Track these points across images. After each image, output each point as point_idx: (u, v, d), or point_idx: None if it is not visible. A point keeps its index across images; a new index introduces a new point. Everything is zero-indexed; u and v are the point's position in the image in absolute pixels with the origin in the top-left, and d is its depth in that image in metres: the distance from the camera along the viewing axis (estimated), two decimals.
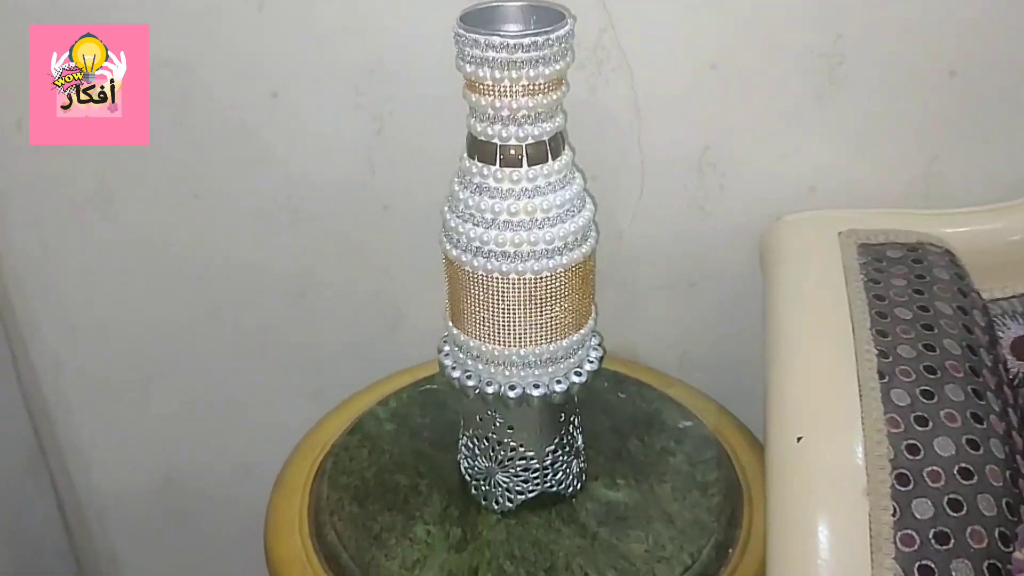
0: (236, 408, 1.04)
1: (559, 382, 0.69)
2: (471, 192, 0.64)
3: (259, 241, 0.93)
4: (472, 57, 0.60)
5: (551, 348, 0.68)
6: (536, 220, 0.64)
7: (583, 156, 0.85)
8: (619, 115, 0.83)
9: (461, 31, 0.60)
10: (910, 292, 0.72)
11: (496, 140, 0.62)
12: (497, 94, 0.61)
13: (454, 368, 0.70)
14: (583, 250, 0.67)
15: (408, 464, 0.79)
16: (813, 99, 0.81)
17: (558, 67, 0.61)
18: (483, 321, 0.66)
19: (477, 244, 0.64)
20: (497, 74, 0.60)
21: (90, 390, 1.04)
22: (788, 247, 0.80)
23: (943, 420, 0.61)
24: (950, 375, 0.64)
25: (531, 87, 0.61)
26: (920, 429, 0.61)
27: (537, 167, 0.64)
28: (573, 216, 0.66)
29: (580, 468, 0.75)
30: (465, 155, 0.64)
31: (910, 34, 0.78)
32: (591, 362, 0.72)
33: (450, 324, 0.69)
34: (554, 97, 0.63)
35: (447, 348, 0.71)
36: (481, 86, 0.61)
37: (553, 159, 0.65)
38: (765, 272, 0.80)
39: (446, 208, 0.66)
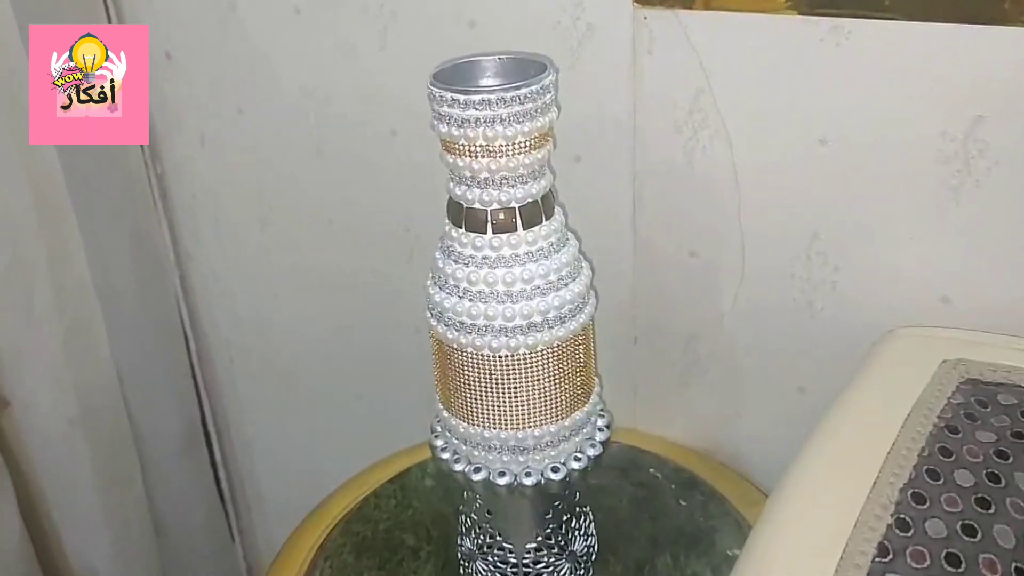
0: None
1: (556, 469, 0.63)
2: (455, 263, 0.60)
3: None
4: (445, 116, 0.56)
5: (548, 430, 0.62)
6: (528, 290, 0.58)
7: (680, 229, 0.77)
8: (718, 186, 0.73)
9: (433, 88, 0.56)
10: (991, 453, 0.55)
11: (478, 204, 0.58)
12: (474, 155, 0.56)
13: (444, 450, 0.66)
14: (581, 319, 0.60)
15: (424, 525, 0.76)
16: (947, 191, 0.65)
17: (540, 122, 0.56)
18: (468, 402, 0.62)
19: (462, 320, 0.59)
20: (471, 133, 0.55)
21: (253, 378, 1.12)
22: (877, 366, 0.65)
23: None
24: (980, 574, 0.49)
25: (513, 146, 0.56)
26: None
27: (528, 231, 0.58)
28: (568, 283, 0.59)
29: (576, 575, 0.67)
30: (447, 222, 0.60)
31: None
32: (594, 446, 0.64)
33: (440, 404, 0.65)
34: (539, 156, 0.57)
35: (438, 428, 0.67)
36: (457, 147, 0.57)
37: (544, 221, 0.59)
38: (839, 393, 0.66)
39: (430, 282, 0.62)
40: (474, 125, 0.54)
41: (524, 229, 0.58)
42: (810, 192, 0.70)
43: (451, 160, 0.57)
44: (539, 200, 0.58)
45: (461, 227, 0.58)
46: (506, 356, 0.59)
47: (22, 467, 0.95)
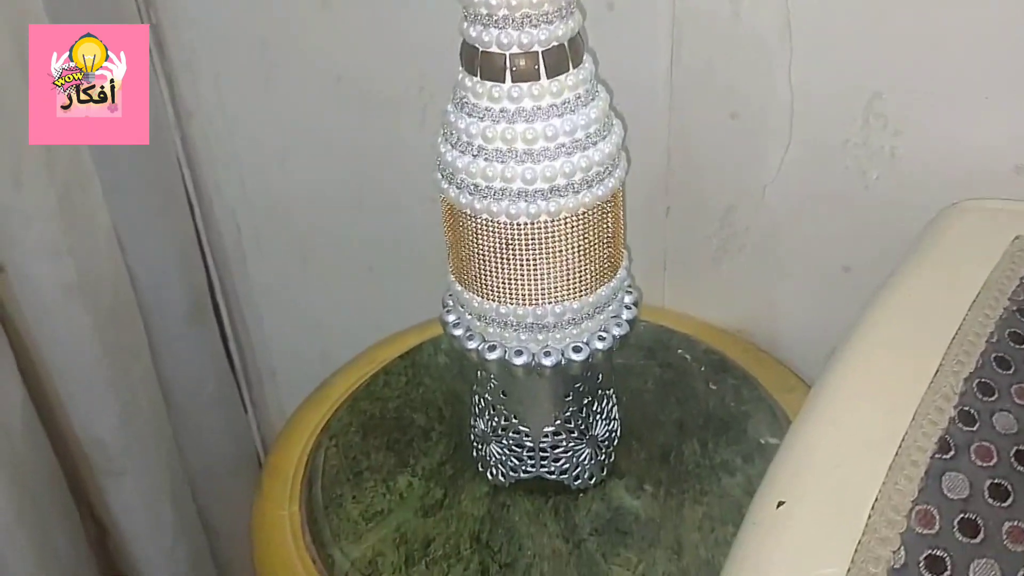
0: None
1: (578, 349, 0.57)
2: (469, 116, 0.52)
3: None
4: None
5: (571, 307, 0.56)
6: (552, 148, 0.51)
7: (722, 87, 0.69)
8: (767, 39, 0.65)
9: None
10: None
11: (495, 48, 0.50)
12: None
13: (456, 326, 0.60)
14: (610, 184, 0.54)
15: (435, 404, 0.71)
16: None
17: None
18: (483, 274, 0.56)
19: (476, 182, 0.53)
20: None
21: (260, 247, 1.07)
22: (939, 241, 0.58)
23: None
24: None
25: None
26: (963, 540, 0.41)
27: (552, 81, 0.51)
28: (597, 142, 0.53)
29: (598, 460, 0.63)
30: (460, 70, 0.53)
31: None
32: (619, 324, 0.59)
33: (451, 277, 0.59)
34: None
35: (450, 303, 0.61)
36: None
37: (571, 70, 0.51)
38: (897, 267, 0.59)
39: (440, 138, 0.55)
40: None
41: (548, 78, 0.51)
42: (873, 44, 0.62)
43: None
44: (565, 44, 0.51)
45: (476, 75, 0.51)
46: (525, 224, 0.52)
47: (22, 335, 0.91)
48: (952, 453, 0.45)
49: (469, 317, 0.58)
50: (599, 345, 0.58)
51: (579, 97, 0.52)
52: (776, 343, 0.77)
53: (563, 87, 0.51)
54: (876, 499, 0.43)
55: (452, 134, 0.53)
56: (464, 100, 0.52)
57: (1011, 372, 0.48)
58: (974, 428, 0.46)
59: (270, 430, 1.22)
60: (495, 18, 0.49)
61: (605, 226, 0.55)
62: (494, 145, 0.51)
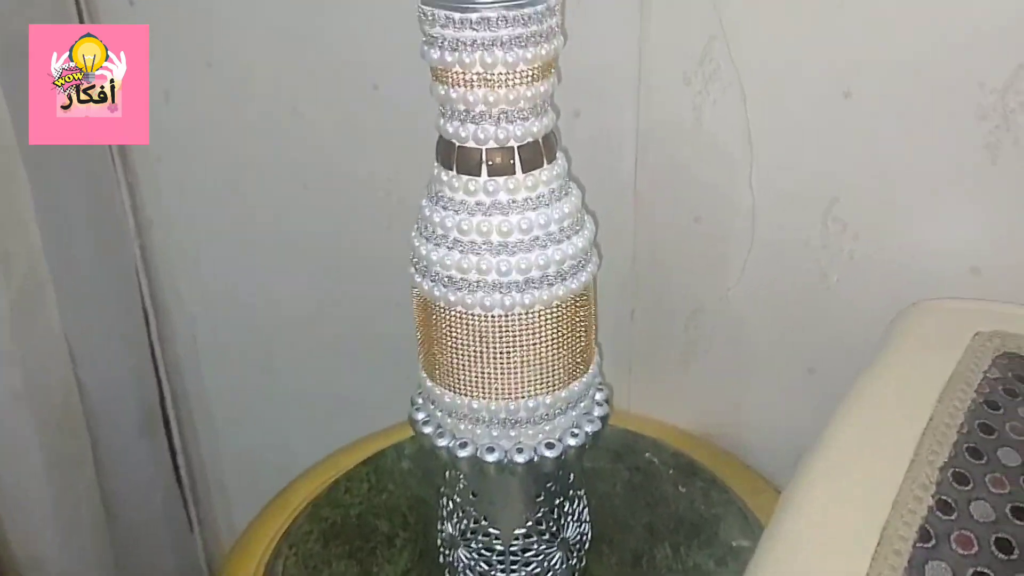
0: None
1: (550, 445, 0.56)
2: (444, 209, 0.53)
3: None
4: (438, 39, 0.49)
5: (543, 402, 0.55)
6: (526, 241, 0.52)
7: (686, 192, 0.71)
8: (729, 146, 0.68)
9: (424, 7, 0.49)
10: None
11: (472, 143, 0.51)
12: (469, 84, 0.50)
13: (426, 423, 0.59)
14: (583, 278, 0.54)
15: (399, 510, 0.69)
16: (983, 149, 0.60)
17: (545, 49, 0.49)
18: (455, 368, 0.55)
19: (451, 274, 0.53)
20: (467, 58, 0.49)
21: (219, 356, 1.05)
22: (905, 339, 0.59)
23: None
24: None
25: (513, 75, 0.49)
26: None
27: (527, 175, 0.52)
28: (571, 236, 0.53)
29: (569, 565, 0.61)
30: (436, 164, 0.54)
31: None
32: (592, 421, 0.58)
33: (422, 373, 0.59)
34: (542, 89, 0.51)
35: (420, 401, 0.60)
36: (450, 75, 0.50)
37: (545, 165, 0.52)
38: (866, 366, 0.60)
39: (414, 232, 0.55)
40: (471, 49, 0.48)
41: (523, 172, 0.51)
42: (830, 152, 0.65)
43: (443, 92, 0.51)
44: (540, 140, 0.52)
45: (452, 169, 0.52)
46: (499, 316, 0.52)
47: None
48: (933, 542, 0.44)
49: (440, 414, 0.57)
50: (571, 442, 0.57)
51: (553, 192, 0.52)
52: (743, 445, 0.77)
53: (538, 182, 0.52)
54: None
55: (427, 227, 0.54)
56: (440, 194, 0.53)
57: (984, 462, 0.48)
58: (952, 517, 0.45)
59: (218, 549, 1.17)
60: (472, 114, 0.50)
61: (578, 320, 0.55)
62: (469, 237, 0.52)
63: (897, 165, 0.63)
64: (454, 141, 0.52)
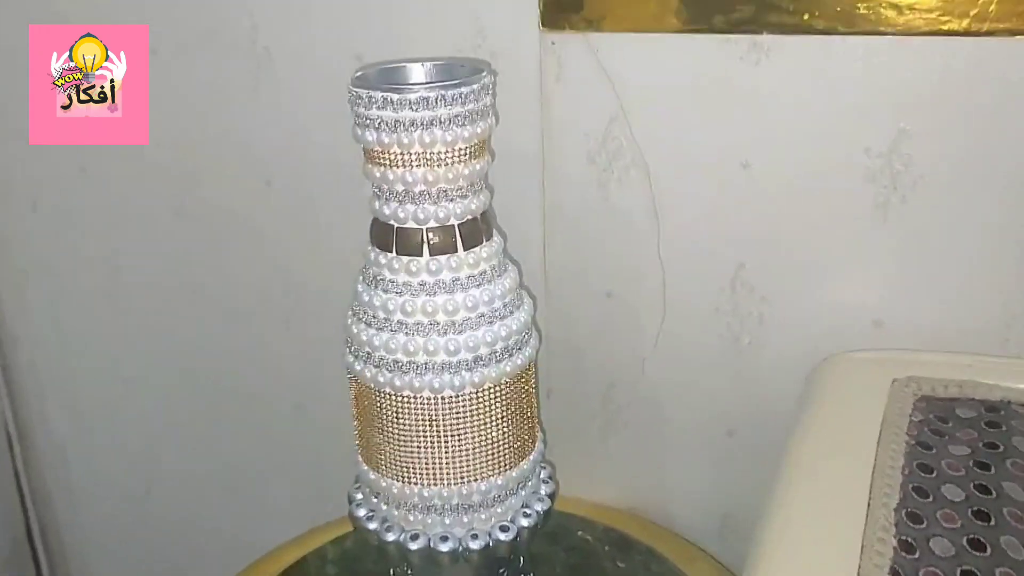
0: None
1: (505, 528, 0.55)
2: (385, 292, 0.52)
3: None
4: (374, 120, 0.49)
5: (496, 483, 0.54)
6: (473, 318, 0.51)
7: (596, 267, 0.72)
8: (636, 219, 0.70)
9: (358, 90, 0.49)
10: (971, 466, 0.52)
11: (412, 223, 0.51)
12: (408, 165, 0.50)
13: (371, 519, 0.56)
14: (521, 359, 0.53)
15: None
16: (874, 209, 0.64)
17: (481, 127, 0.50)
18: (402, 456, 0.53)
19: (396, 357, 0.51)
20: (406, 139, 0.49)
21: (92, 483, 0.97)
22: (824, 393, 0.62)
23: None
24: None
25: (453, 152, 0.49)
26: None
27: (468, 252, 0.51)
28: (514, 311, 0.53)
29: None
30: (369, 246, 0.53)
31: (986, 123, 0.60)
32: (541, 499, 0.57)
33: (363, 466, 0.56)
34: (479, 167, 0.51)
35: (360, 496, 0.58)
36: (388, 156, 0.50)
37: (486, 242, 0.52)
38: (796, 421, 0.62)
39: (350, 318, 0.54)
40: (410, 129, 0.48)
41: (464, 250, 0.51)
42: (733, 220, 0.68)
43: (379, 173, 0.50)
44: (479, 217, 0.52)
45: (391, 251, 0.51)
46: (450, 397, 0.51)
47: None
48: None
49: (386, 507, 0.55)
50: (524, 522, 0.56)
51: (494, 268, 0.52)
52: (669, 514, 0.77)
53: (479, 258, 0.52)
54: None
55: (366, 312, 0.52)
56: (378, 277, 0.52)
57: (931, 500, 0.50)
58: (916, 556, 0.47)
59: None
60: (411, 194, 0.50)
61: (524, 397, 0.54)
62: (415, 319, 0.51)
63: (797, 228, 0.66)
64: (392, 223, 0.51)
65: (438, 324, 0.50)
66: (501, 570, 0.57)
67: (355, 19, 0.71)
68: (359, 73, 0.51)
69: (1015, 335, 0.64)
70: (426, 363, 0.50)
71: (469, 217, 0.51)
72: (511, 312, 0.53)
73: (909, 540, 0.48)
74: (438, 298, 0.50)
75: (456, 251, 0.51)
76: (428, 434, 0.52)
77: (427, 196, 0.50)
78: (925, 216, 0.63)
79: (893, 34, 0.60)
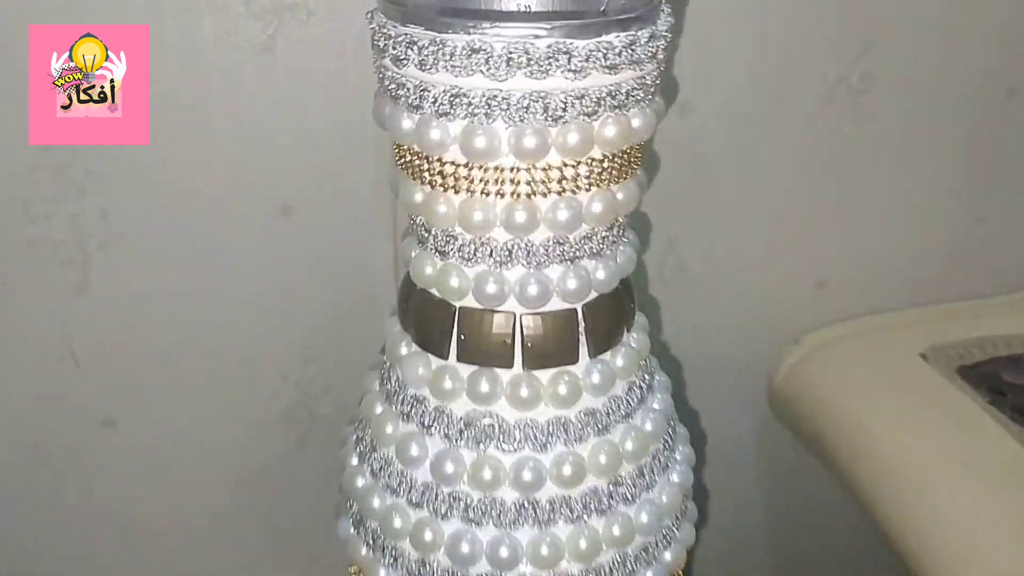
0: None
1: None
2: (423, 422, 0.27)
3: None
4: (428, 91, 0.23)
5: None
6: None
7: None
8: None
9: (386, 26, 0.21)
10: None
11: (509, 300, 0.25)
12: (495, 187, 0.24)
13: None
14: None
15: None
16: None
17: (644, 120, 0.25)
18: None
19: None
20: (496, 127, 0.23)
21: None
22: (847, 394, 0.47)
23: None
24: None
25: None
26: None
27: (594, 361, 0.27)
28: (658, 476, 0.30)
29: None
30: (403, 346, 0.25)
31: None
32: None
33: None
34: (631, 190, 0.27)
35: None
36: (455, 175, 0.24)
37: (626, 334, 0.28)
38: (814, 448, 0.46)
39: (351, 462, 0.28)
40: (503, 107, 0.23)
41: (592, 357, 0.27)
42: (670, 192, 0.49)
43: (438, 202, 0.24)
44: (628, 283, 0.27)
45: (445, 356, 0.25)
46: None
47: None
48: None
49: None
50: None
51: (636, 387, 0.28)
52: None
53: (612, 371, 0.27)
54: None
55: (390, 476, 0.26)
56: (405, 392, 0.26)
57: None
58: None
59: None
60: (493, 250, 0.24)
61: None
62: (483, 477, 0.25)
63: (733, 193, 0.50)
64: (450, 299, 0.25)
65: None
66: None
67: None
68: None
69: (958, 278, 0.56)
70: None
71: (608, 288, 0.26)
72: (656, 476, 0.29)
73: None
74: (547, 455, 0.25)
75: (576, 359, 0.26)
76: None
77: (532, 255, 0.24)
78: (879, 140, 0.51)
79: None
